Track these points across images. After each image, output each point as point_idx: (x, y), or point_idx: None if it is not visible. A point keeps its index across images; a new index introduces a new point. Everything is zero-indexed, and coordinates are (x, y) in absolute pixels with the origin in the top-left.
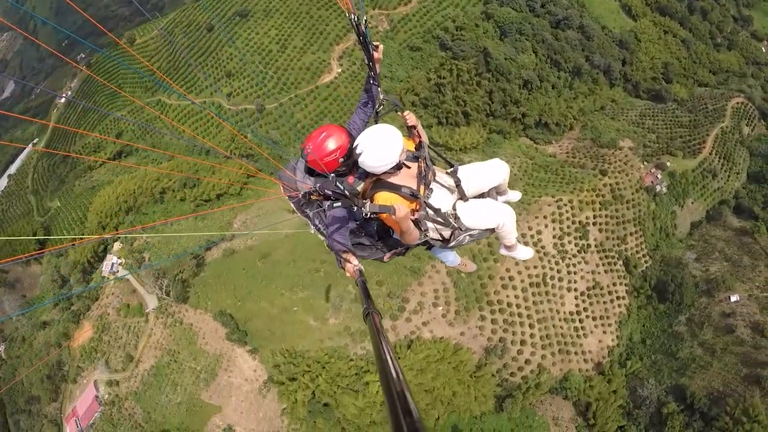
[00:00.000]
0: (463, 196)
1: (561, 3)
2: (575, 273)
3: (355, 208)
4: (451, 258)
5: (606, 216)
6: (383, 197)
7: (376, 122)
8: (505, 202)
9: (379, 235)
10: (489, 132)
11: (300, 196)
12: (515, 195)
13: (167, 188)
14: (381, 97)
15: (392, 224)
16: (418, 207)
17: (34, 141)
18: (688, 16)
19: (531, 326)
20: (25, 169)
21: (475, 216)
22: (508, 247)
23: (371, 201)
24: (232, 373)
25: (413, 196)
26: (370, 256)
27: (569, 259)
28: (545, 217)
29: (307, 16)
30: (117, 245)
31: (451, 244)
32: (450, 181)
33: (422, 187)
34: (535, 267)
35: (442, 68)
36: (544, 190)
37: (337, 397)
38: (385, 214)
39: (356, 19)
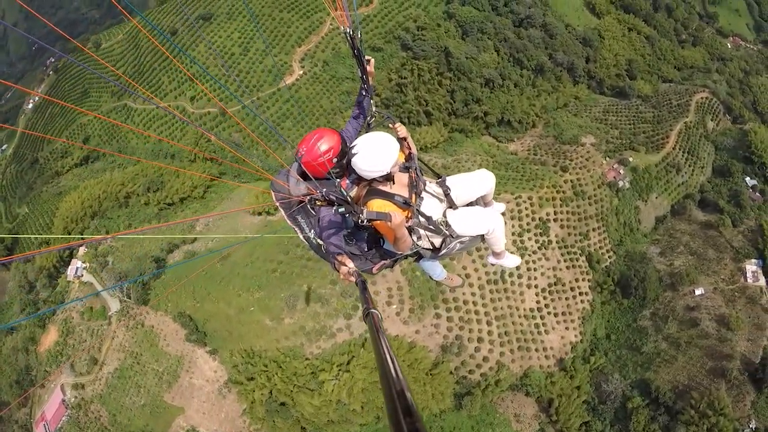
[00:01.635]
0: (452, 205)
1: (524, 1)
2: (535, 270)
3: (354, 214)
4: (438, 271)
5: (567, 212)
6: (378, 204)
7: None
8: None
9: (369, 245)
10: (451, 131)
11: (306, 200)
12: (500, 206)
13: (132, 192)
14: (374, 109)
15: (386, 231)
16: (410, 215)
17: (3, 147)
18: (652, 13)
19: (489, 323)
20: None
21: (466, 223)
22: (497, 254)
23: (366, 208)
24: (194, 374)
25: (406, 204)
26: (359, 268)
27: (529, 255)
28: (503, 213)
29: (269, 19)
30: (82, 249)
31: (442, 252)
32: (439, 191)
33: (414, 196)
34: (492, 264)
35: (404, 68)
36: (503, 188)
37: (294, 396)
38: (380, 221)
39: (351, 32)
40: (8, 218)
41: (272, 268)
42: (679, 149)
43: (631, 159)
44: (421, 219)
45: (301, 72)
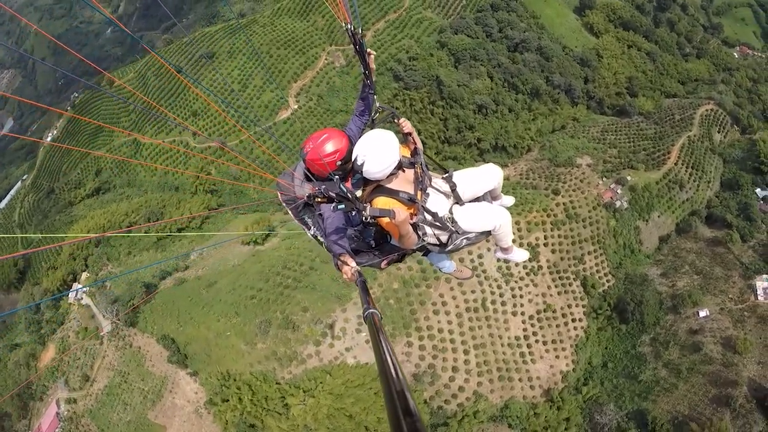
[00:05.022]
0: (459, 201)
1: (518, 26)
2: (522, 296)
3: (356, 211)
4: (447, 265)
5: (559, 236)
6: (382, 202)
7: (372, 129)
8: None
9: (377, 241)
10: (443, 159)
11: (305, 198)
12: (509, 200)
13: (134, 222)
14: (377, 105)
15: (391, 228)
16: (415, 211)
17: (24, 177)
18: (653, 29)
19: (465, 352)
20: (14, 204)
21: (472, 219)
22: (505, 250)
23: (370, 206)
24: (176, 394)
25: (411, 201)
26: (367, 263)
27: (515, 282)
28: (488, 240)
29: (267, 56)
30: (84, 275)
31: (449, 248)
32: (446, 186)
33: (419, 192)
34: (473, 291)
35: (395, 99)
36: None
37: (263, 419)
38: (384, 218)
39: (352, 28)
40: (23, 245)
41: (251, 295)
42: (682, 164)
43: (629, 178)
44: (427, 216)
45: (296, 106)
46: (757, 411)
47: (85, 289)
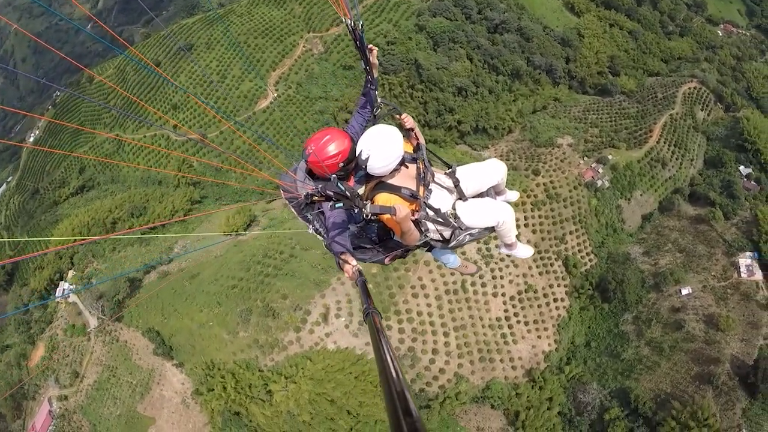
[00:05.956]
0: (462, 196)
1: (498, 7)
2: (502, 278)
3: (356, 209)
4: (452, 260)
5: (540, 216)
6: (383, 198)
7: (374, 125)
8: (503, 202)
9: (380, 237)
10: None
11: (303, 197)
12: (513, 195)
13: (118, 219)
14: (379, 100)
15: (393, 225)
16: (417, 207)
17: (8, 179)
18: (635, 7)
19: (446, 334)
20: None
21: (475, 215)
22: (508, 246)
23: (372, 202)
24: (164, 386)
25: (413, 197)
26: (371, 259)
27: (495, 263)
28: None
29: (245, 45)
30: (71, 273)
31: (452, 243)
32: (449, 182)
33: (421, 188)
34: (452, 274)
35: None
36: None
37: (247, 406)
38: (386, 215)
39: (352, 23)
40: (11, 246)
41: (233, 285)
42: (665, 143)
43: (610, 157)
44: (429, 212)
45: (275, 95)
46: (740, 388)
47: (71, 287)
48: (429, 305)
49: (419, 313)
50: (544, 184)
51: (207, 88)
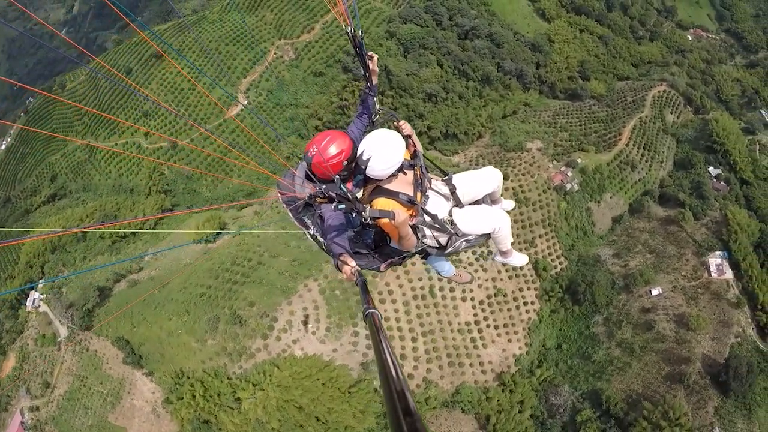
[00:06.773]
0: (458, 203)
1: (468, 14)
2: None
3: (356, 212)
4: (447, 268)
5: None
6: (382, 203)
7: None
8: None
9: (376, 243)
10: None
11: (305, 197)
12: (509, 204)
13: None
14: (377, 107)
15: (390, 230)
16: (415, 213)
17: None
18: (606, 13)
19: (414, 339)
20: None
21: (472, 221)
22: (504, 253)
23: (370, 206)
24: (134, 395)
25: (410, 203)
26: (367, 266)
27: (464, 268)
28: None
29: (216, 52)
30: (41, 283)
31: (448, 250)
32: (445, 189)
33: (419, 194)
34: (419, 279)
35: (345, 90)
36: None
37: (216, 414)
38: (384, 220)
39: (353, 31)
40: None
41: (201, 293)
42: (634, 145)
43: (579, 160)
44: (426, 217)
45: (246, 102)
46: (712, 387)
47: (42, 296)
48: (396, 311)
49: (386, 319)
50: (513, 188)
51: (178, 95)
